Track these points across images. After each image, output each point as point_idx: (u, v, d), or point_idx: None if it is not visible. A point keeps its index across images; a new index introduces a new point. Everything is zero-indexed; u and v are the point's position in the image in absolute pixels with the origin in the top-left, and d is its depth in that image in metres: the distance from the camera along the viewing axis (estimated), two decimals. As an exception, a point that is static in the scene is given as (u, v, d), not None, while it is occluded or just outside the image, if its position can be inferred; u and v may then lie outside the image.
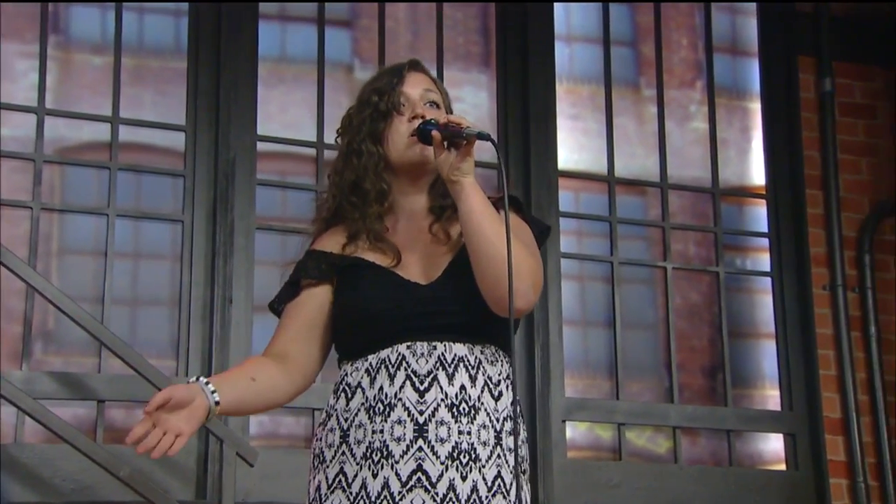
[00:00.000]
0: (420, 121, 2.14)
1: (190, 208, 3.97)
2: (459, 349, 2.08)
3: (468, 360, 2.08)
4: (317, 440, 2.14)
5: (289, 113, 4.20)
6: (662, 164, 4.70)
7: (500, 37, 4.55)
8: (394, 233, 2.18)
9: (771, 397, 4.69)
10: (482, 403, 2.06)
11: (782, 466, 4.61)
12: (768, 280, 4.77)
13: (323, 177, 4.14)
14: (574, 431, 4.35)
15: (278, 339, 2.17)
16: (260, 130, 4.11)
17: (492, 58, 4.55)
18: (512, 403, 2.10)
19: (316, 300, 2.16)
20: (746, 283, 4.80)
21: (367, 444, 2.04)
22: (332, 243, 2.18)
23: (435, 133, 2.07)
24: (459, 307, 2.08)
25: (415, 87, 2.20)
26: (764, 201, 4.83)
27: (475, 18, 4.57)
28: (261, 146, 4.11)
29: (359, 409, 2.06)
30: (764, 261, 4.80)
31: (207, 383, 1.97)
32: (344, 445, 2.06)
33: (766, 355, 4.72)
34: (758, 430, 4.62)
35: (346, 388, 2.11)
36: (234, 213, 3.96)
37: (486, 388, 2.08)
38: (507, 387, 2.11)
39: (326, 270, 2.15)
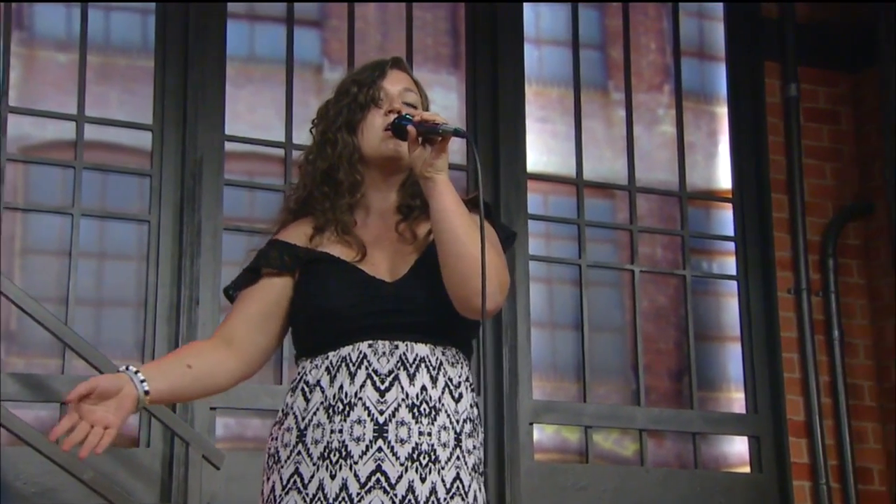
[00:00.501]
0: (395, 115, 2.12)
1: (156, 208, 3.93)
2: (421, 349, 2.06)
3: (430, 361, 2.06)
4: (272, 439, 2.10)
5: (257, 113, 4.17)
6: (630, 168, 4.72)
7: (470, 39, 4.55)
8: (362, 227, 2.15)
9: (736, 400, 4.72)
10: (443, 405, 2.04)
11: (746, 469, 4.64)
12: (734, 283, 4.79)
13: (291, 178, 4.12)
14: (541, 434, 4.35)
15: (227, 323, 2.13)
16: (228, 130, 4.08)
17: (461, 59, 4.54)
18: (472, 405, 2.09)
19: (273, 291, 2.12)
20: (712, 287, 4.83)
21: (325, 444, 2.00)
22: (298, 235, 2.15)
23: (410, 128, 2.05)
24: (423, 307, 2.07)
25: (395, 84, 2.18)
26: (730, 205, 4.86)
27: (445, 20, 4.56)
28: (228, 146, 4.08)
29: (317, 408, 2.02)
30: (730, 264, 4.83)
31: (137, 372, 1.92)
32: (300, 445, 2.02)
33: (732, 358, 4.75)
34: (723, 433, 4.64)
35: (305, 385, 2.06)
36: (201, 213, 3.93)
37: (446, 389, 2.06)
38: (467, 389, 2.10)
39: (289, 262, 2.12)
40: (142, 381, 1.92)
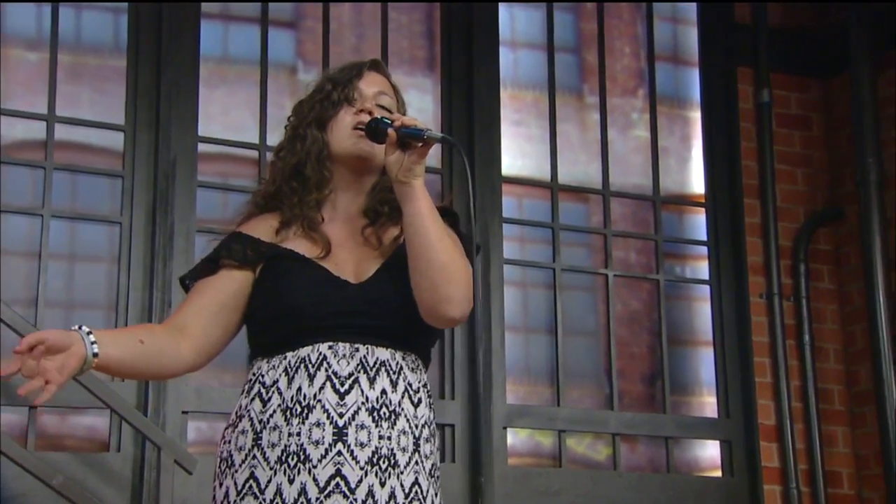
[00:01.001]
0: (367, 116, 2.11)
1: (128, 210, 3.89)
2: (382, 353, 2.03)
3: (390, 365, 2.03)
4: (224, 443, 2.04)
5: (231, 114, 4.13)
6: (605, 172, 4.72)
7: (445, 41, 4.53)
8: (328, 226, 2.12)
9: (708, 404, 4.73)
10: (402, 409, 2.02)
11: (718, 473, 4.65)
12: (707, 288, 4.80)
13: (264, 178, 4.07)
14: (515, 438, 4.34)
15: (181, 311, 2.08)
16: (201, 131, 4.04)
17: (437, 62, 4.52)
18: (432, 408, 2.09)
19: (232, 284, 2.07)
20: (685, 291, 4.84)
21: (282, 447, 1.96)
22: (263, 229, 2.11)
23: (391, 131, 2.03)
24: (387, 310, 2.04)
25: (370, 86, 2.17)
26: (703, 209, 4.87)
27: (420, 22, 4.54)
28: (202, 147, 4.04)
29: (274, 411, 1.98)
30: (702, 268, 4.84)
31: (89, 333, 1.84)
32: (255, 449, 1.98)
33: (704, 363, 4.76)
34: (695, 437, 4.65)
35: (261, 387, 2.02)
36: (174, 215, 3.89)
37: (406, 393, 2.04)
38: (426, 394, 2.08)
39: (251, 256, 2.08)
40: (92, 343, 1.84)
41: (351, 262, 2.09)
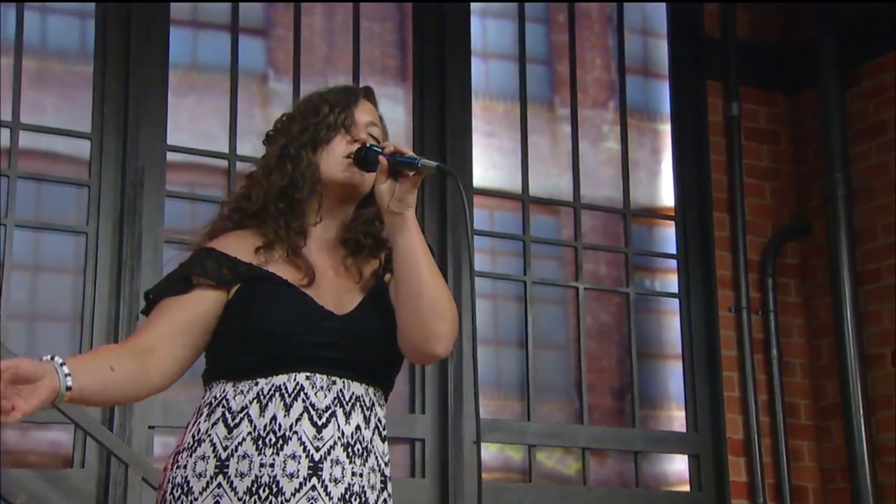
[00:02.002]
0: (360, 146, 2.06)
1: (95, 219, 3.80)
2: (357, 388, 1.99)
3: (364, 401, 2.00)
4: (177, 467, 1.94)
5: (200, 123, 4.06)
6: (575, 184, 4.70)
7: (417, 51, 4.49)
8: (310, 252, 2.06)
9: (676, 418, 4.72)
10: (373, 446, 1.99)
11: (686, 487, 4.64)
12: (676, 301, 4.79)
13: (233, 189, 4.01)
14: (485, 453, 4.30)
15: (150, 331, 1.97)
16: (169, 140, 3.95)
17: (408, 72, 4.48)
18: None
19: (204, 304, 1.98)
20: (655, 304, 4.82)
21: (252, 477, 1.89)
22: (240, 247, 2.02)
23: (382, 159, 1.98)
24: (367, 346, 2.00)
25: (364, 115, 2.13)
26: (672, 223, 4.86)
27: (392, 32, 4.49)
28: (170, 156, 3.95)
29: (244, 439, 1.91)
30: (672, 282, 4.83)
31: (63, 364, 1.75)
32: (220, 477, 1.90)
33: (673, 376, 4.75)
34: (664, 452, 4.64)
35: (226, 412, 1.94)
36: (141, 225, 3.80)
37: (376, 430, 2.01)
38: (385, 431, 2.05)
39: (227, 276, 1.99)
40: (66, 375, 1.74)
41: (332, 292, 2.03)
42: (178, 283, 2.00)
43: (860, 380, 4.56)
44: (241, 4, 4.19)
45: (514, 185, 4.59)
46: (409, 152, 1.99)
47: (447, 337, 1.96)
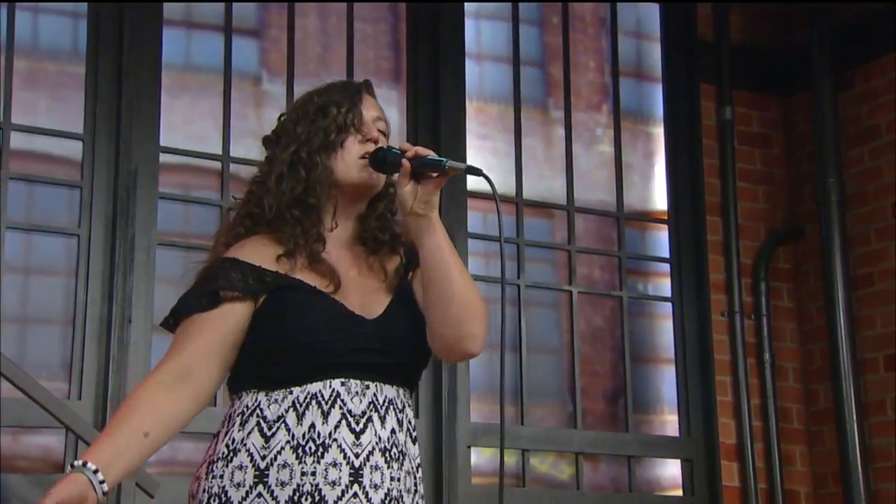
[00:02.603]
0: (373, 145, 2.04)
1: (87, 221, 3.76)
2: (389, 391, 1.98)
3: (396, 404, 1.99)
4: (212, 477, 1.92)
5: (193, 124, 4.02)
6: (569, 187, 4.68)
7: (411, 52, 4.46)
8: (331, 256, 2.03)
9: (669, 423, 4.71)
10: (407, 449, 1.99)
11: (679, 492, 4.63)
12: (669, 305, 4.78)
13: (227, 191, 3.99)
14: (479, 457, 4.28)
15: (185, 352, 1.94)
16: (162, 141, 3.92)
17: (402, 74, 4.45)
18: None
19: (233, 318, 1.95)
20: (648, 308, 4.81)
21: (294, 486, 1.88)
22: (262, 255, 1.99)
23: (405, 162, 1.95)
24: (400, 349, 1.99)
25: (370, 111, 2.10)
26: (665, 226, 4.85)
27: (386, 34, 4.47)
28: (162, 158, 3.92)
29: (282, 448, 1.90)
30: (664, 286, 4.82)
31: (96, 472, 1.79)
32: (261, 486, 1.89)
33: (666, 380, 4.74)
34: (657, 456, 4.62)
35: (262, 421, 1.92)
36: (134, 227, 3.76)
37: (408, 433, 2.01)
38: (416, 433, 2.05)
39: (254, 286, 1.96)
40: (101, 483, 1.80)
41: (358, 295, 2.02)
42: (206, 297, 1.96)
43: (853, 384, 4.56)
44: (234, 5, 4.16)
45: (508, 188, 4.57)
46: (432, 154, 1.96)
47: (480, 336, 1.95)
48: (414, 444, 2.01)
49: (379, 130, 2.08)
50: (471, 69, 4.56)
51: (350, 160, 2.04)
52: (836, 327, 4.62)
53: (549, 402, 4.50)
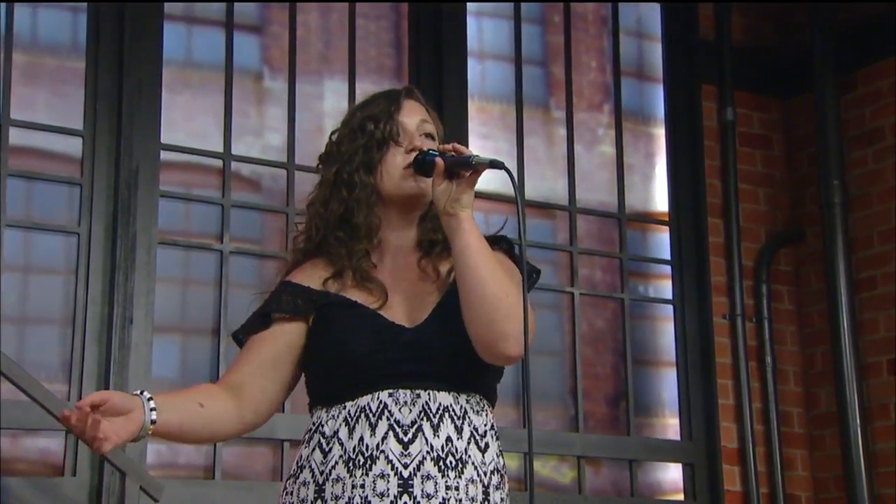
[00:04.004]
0: (417, 153, 2.01)
1: (87, 219, 3.68)
2: (444, 398, 1.94)
3: (453, 410, 1.94)
4: (286, 494, 1.98)
5: (194, 121, 3.95)
6: (571, 188, 4.64)
7: (413, 50, 4.41)
8: (380, 269, 2.04)
9: (671, 426, 4.67)
10: (469, 456, 1.93)
11: (680, 496, 4.59)
12: (670, 307, 4.74)
13: (228, 189, 3.92)
14: (481, 461, 4.22)
15: (237, 370, 2.02)
16: (163, 138, 3.85)
17: (404, 71, 4.40)
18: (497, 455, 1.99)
19: (285, 336, 2.02)
20: (649, 311, 4.77)
21: (346, 499, 1.89)
22: (312, 277, 2.04)
23: (439, 160, 1.94)
24: (444, 353, 1.95)
25: (411, 117, 2.07)
26: (667, 228, 4.82)
27: (388, 31, 4.41)
28: (163, 155, 3.85)
29: (336, 462, 1.91)
30: (665, 288, 4.78)
31: (150, 399, 1.82)
32: (319, 501, 1.91)
33: (667, 384, 4.70)
34: (658, 460, 4.59)
35: (321, 437, 1.96)
36: (135, 225, 3.69)
37: (472, 439, 1.94)
38: (493, 438, 1.99)
39: (302, 306, 2.01)
40: (152, 409, 1.82)
41: (405, 304, 2.01)
42: (259, 320, 2.04)
43: (857, 388, 4.53)
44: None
45: (510, 189, 4.50)
46: (466, 151, 1.94)
47: (516, 336, 1.90)
48: (484, 451, 1.95)
49: (426, 134, 2.06)
50: (473, 68, 4.51)
51: (395, 174, 2.02)
52: (839, 331, 4.60)
53: (551, 405, 4.45)
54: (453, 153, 1.94)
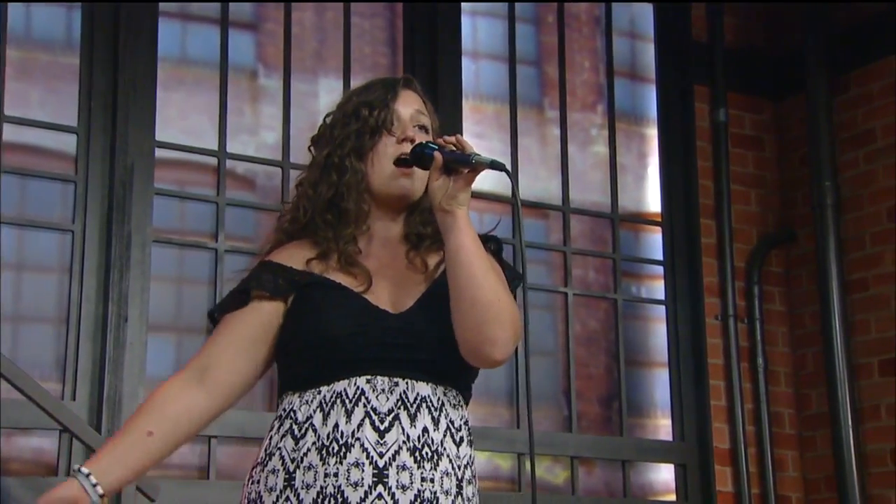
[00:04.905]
0: (409, 145, 1.99)
1: (81, 217, 3.65)
2: (422, 388, 1.91)
3: (431, 401, 1.91)
4: (252, 482, 1.92)
5: (189, 118, 3.92)
6: (565, 188, 4.63)
7: (408, 49, 4.40)
8: (366, 256, 2.01)
9: (663, 427, 4.67)
10: (445, 448, 1.90)
11: (672, 497, 4.60)
12: (662, 308, 4.74)
13: (223, 188, 3.90)
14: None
15: (207, 349, 1.97)
16: (157, 136, 3.82)
17: (399, 70, 4.38)
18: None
19: (262, 316, 1.97)
20: (641, 311, 4.77)
21: (317, 489, 1.84)
22: (294, 257, 2.00)
23: (437, 155, 1.91)
24: (429, 343, 1.92)
25: (407, 107, 2.04)
26: (659, 228, 4.82)
27: (383, 29, 4.40)
28: (158, 153, 3.82)
29: (309, 449, 1.87)
30: (658, 288, 4.78)
31: (88, 475, 1.80)
32: (288, 490, 1.86)
33: (659, 384, 4.70)
34: (651, 461, 4.59)
35: (294, 423, 1.90)
36: (130, 224, 3.66)
37: (448, 432, 1.92)
38: (467, 433, 1.96)
39: (283, 286, 1.96)
40: (94, 485, 1.80)
41: (390, 291, 1.97)
42: (237, 297, 2.00)
43: (848, 390, 4.54)
44: (230, -2, 4.07)
45: (504, 188, 4.50)
46: (469, 146, 1.92)
47: (504, 341, 1.87)
48: (458, 444, 1.93)
49: (420, 126, 2.03)
50: (467, 67, 4.50)
51: (384, 165, 2.00)
52: (831, 332, 4.61)
53: (545, 406, 4.45)
54: (455, 146, 1.92)
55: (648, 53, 4.99)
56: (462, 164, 1.90)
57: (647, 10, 5.00)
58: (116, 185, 3.68)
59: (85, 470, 1.79)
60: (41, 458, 3.50)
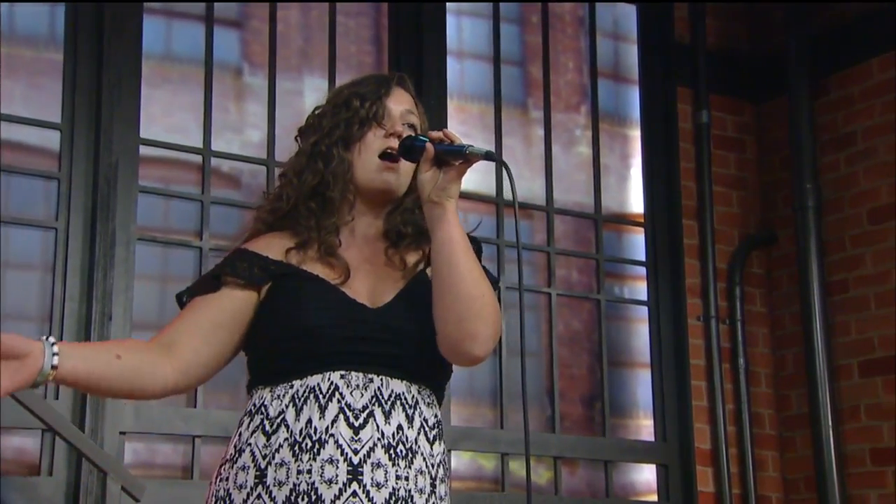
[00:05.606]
0: (396, 140, 1.97)
1: (65, 215, 3.61)
2: (397, 385, 1.88)
3: (405, 399, 1.88)
4: (220, 480, 1.87)
5: (173, 116, 3.89)
6: (549, 188, 4.63)
7: (393, 48, 4.38)
8: (346, 249, 1.98)
9: (645, 427, 4.68)
10: (419, 446, 1.88)
11: (654, 497, 4.61)
12: (645, 309, 4.76)
13: (208, 186, 3.88)
14: (458, 461, 4.21)
15: (172, 327, 1.91)
16: (142, 133, 3.79)
17: (384, 69, 4.36)
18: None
19: (232, 303, 1.92)
20: (624, 312, 4.78)
21: (290, 486, 1.80)
22: (271, 247, 1.97)
23: (429, 146, 1.89)
24: (406, 339, 1.89)
25: (398, 104, 2.03)
26: (642, 229, 4.83)
27: (368, 28, 4.38)
28: (143, 150, 3.79)
29: (281, 445, 1.83)
30: (640, 289, 4.79)
31: (53, 344, 1.69)
32: (260, 487, 1.82)
33: (641, 385, 4.71)
34: (633, 461, 4.59)
35: (265, 419, 1.86)
36: (114, 221, 3.63)
37: (422, 430, 1.89)
38: (440, 432, 1.94)
39: (258, 275, 1.92)
40: (54, 355, 1.68)
41: (368, 286, 1.94)
42: (208, 282, 1.95)
43: (829, 390, 4.57)
44: (215, -5, 4.05)
45: (488, 188, 4.51)
46: (459, 140, 1.89)
47: (485, 337, 1.85)
48: (432, 443, 1.91)
49: (409, 124, 2.02)
50: (452, 67, 4.49)
51: (369, 157, 1.98)
52: (812, 333, 4.63)
53: (528, 406, 4.43)
54: (444, 139, 1.90)
55: (631, 55, 5.00)
56: (455, 156, 1.87)
57: (631, 11, 5.01)
58: (100, 183, 3.65)
59: (52, 339, 1.71)
60: (23, 457, 3.46)
